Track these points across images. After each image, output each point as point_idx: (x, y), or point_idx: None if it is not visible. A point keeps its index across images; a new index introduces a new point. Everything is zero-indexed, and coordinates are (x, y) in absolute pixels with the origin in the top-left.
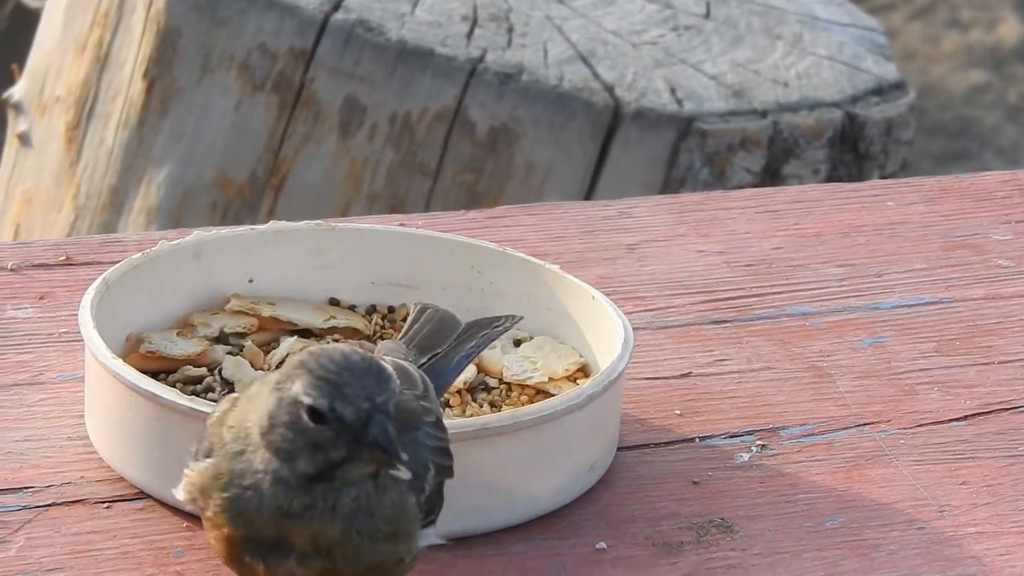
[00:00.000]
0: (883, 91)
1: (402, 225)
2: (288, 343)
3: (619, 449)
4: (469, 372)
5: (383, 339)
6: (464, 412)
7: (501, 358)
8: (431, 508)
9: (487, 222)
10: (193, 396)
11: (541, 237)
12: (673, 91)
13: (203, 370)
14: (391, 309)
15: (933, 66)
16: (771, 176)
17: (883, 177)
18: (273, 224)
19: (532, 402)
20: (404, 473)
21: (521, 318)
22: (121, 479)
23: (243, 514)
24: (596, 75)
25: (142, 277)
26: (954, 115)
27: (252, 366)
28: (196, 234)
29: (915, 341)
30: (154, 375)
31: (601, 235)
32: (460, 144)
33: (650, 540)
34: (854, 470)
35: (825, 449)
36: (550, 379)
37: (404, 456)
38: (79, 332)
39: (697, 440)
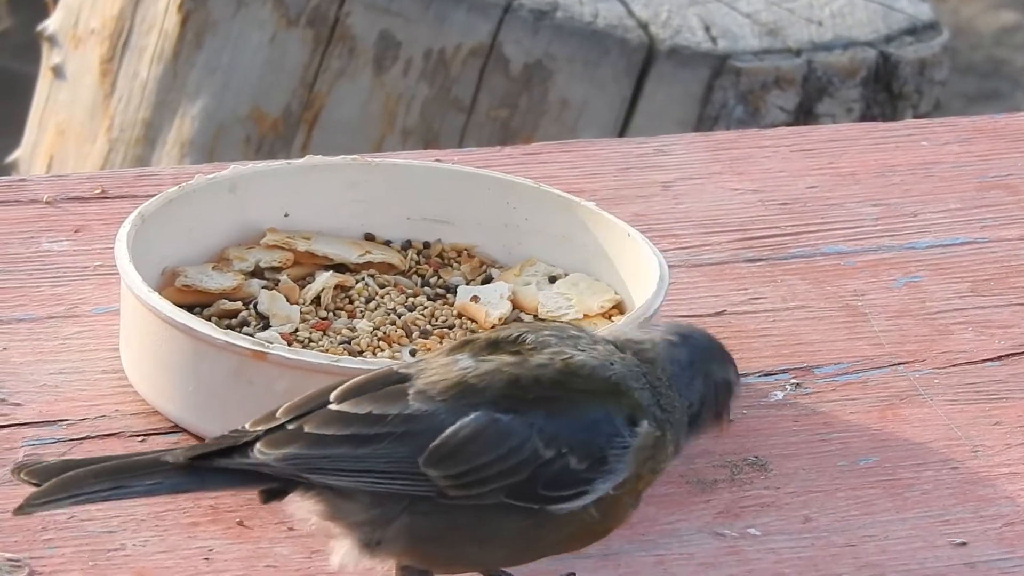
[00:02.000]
0: (917, 31)
1: (438, 160)
2: (323, 278)
3: None
4: (504, 308)
5: (418, 274)
6: None
7: (536, 295)
8: None
9: (523, 158)
10: (228, 330)
11: (576, 174)
12: (707, 29)
13: (238, 304)
14: (426, 245)
15: (964, 6)
16: (805, 114)
17: (916, 117)
18: (309, 158)
19: None
20: None
21: None
22: (155, 413)
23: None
24: (630, 12)
25: (178, 211)
26: (985, 55)
27: (287, 300)
28: (232, 168)
29: (949, 281)
30: (189, 309)
31: (636, 172)
32: (494, 80)
33: (684, 478)
34: (888, 409)
35: (859, 388)
36: (585, 316)
37: None
38: (114, 265)
39: None
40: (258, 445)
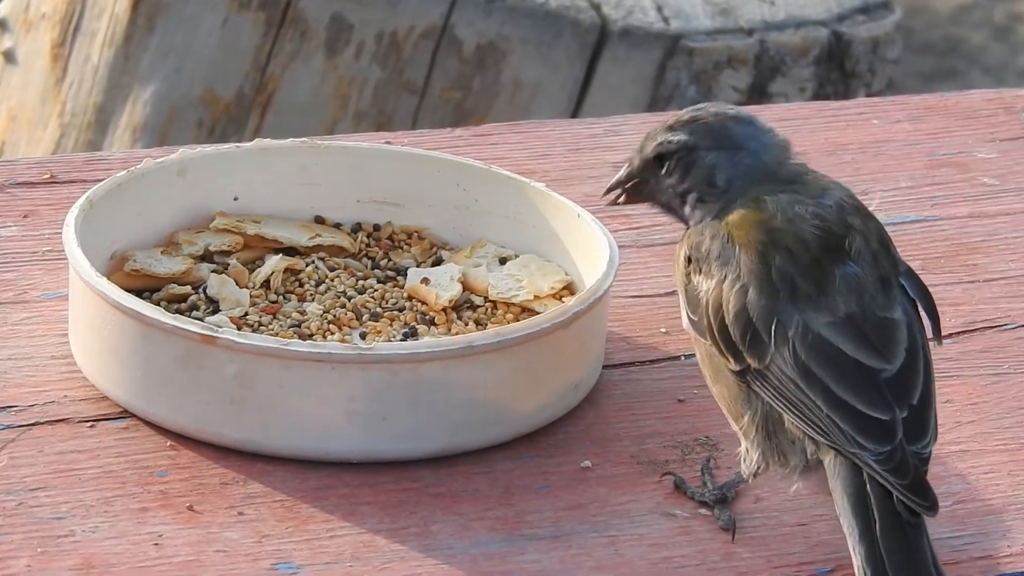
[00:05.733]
0: (869, 10)
1: (388, 143)
2: (273, 261)
3: (604, 367)
4: (455, 290)
5: (368, 257)
6: (450, 330)
7: (487, 276)
8: None
9: (473, 140)
10: (177, 314)
11: (527, 155)
12: (660, 9)
13: (188, 288)
14: (376, 227)
15: None
16: (758, 94)
17: (869, 95)
18: (259, 142)
19: (518, 320)
20: None
21: None
22: (105, 398)
23: None
24: None
25: (127, 195)
26: (941, 34)
27: (237, 284)
28: (181, 152)
29: None
30: (138, 293)
31: (587, 153)
32: (447, 62)
33: (635, 458)
34: None
35: None
36: (536, 297)
37: None
38: (63, 250)
39: (682, 358)
40: (912, 448)
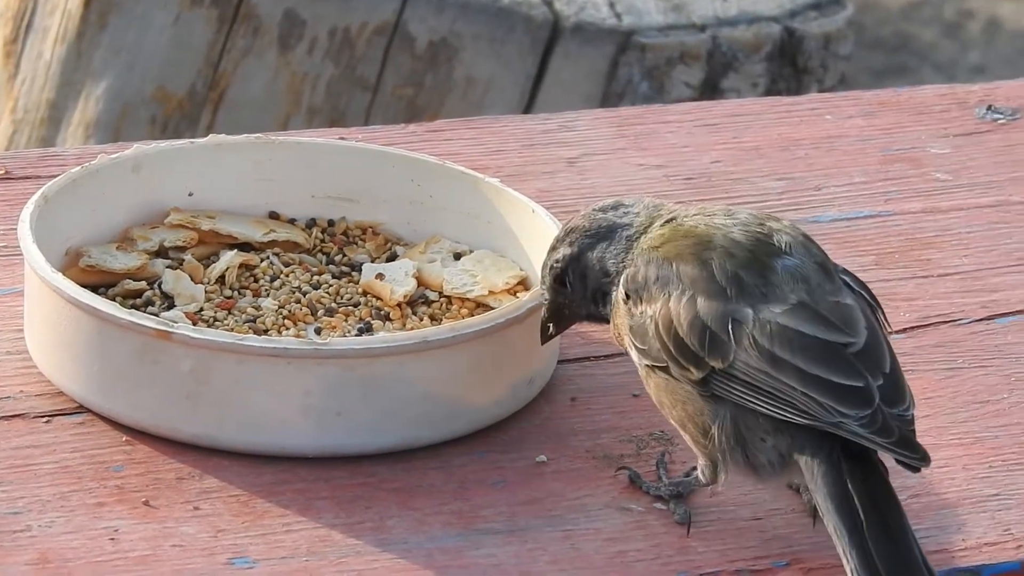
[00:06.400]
0: (821, 6)
1: (342, 138)
2: (228, 257)
3: (559, 362)
4: (409, 286)
5: (323, 253)
6: (404, 325)
7: (441, 271)
8: None
9: (427, 135)
10: (132, 310)
11: (481, 151)
12: (612, 5)
13: (142, 284)
14: (331, 223)
15: None
16: (710, 90)
17: (821, 91)
18: (213, 137)
19: (472, 315)
20: None
21: None
22: (60, 393)
23: None
24: None
25: (81, 191)
26: (892, 30)
27: (192, 280)
28: (136, 147)
29: (854, 254)
30: (93, 289)
31: (541, 149)
32: (400, 58)
33: (590, 453)
34: None
35: None
36: (490, 292)
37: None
38: (18, 246)
39: None
40: (893, 411)
